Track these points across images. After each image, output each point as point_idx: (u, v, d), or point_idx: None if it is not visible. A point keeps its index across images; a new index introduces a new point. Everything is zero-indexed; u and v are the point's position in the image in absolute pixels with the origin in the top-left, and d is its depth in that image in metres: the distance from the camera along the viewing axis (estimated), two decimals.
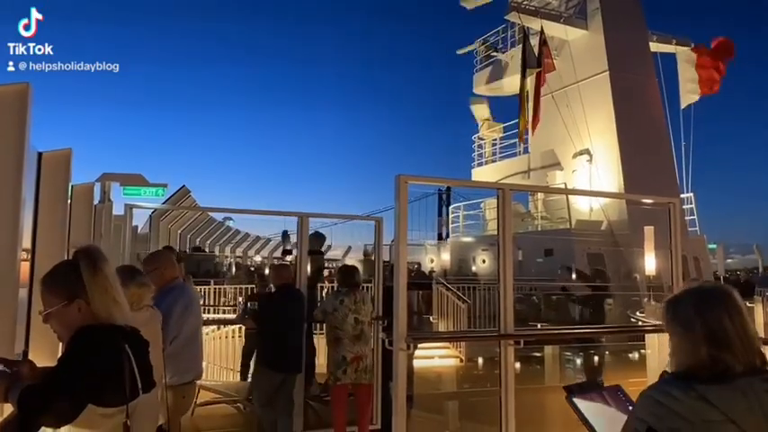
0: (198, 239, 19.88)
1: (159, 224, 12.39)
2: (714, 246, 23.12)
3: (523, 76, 19.47)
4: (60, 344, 2.24)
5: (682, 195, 20.66)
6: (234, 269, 25.83)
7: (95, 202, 6.63)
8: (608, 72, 20.37)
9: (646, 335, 7.72)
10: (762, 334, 7.76)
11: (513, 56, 22.93)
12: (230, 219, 29.31)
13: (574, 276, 13.99)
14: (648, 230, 9.77)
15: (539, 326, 11.59)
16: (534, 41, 20.14)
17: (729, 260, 30.41)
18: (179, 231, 14.73)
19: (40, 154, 3.87)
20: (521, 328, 5.58)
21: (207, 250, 24.26)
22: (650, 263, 9.83)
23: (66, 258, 2.26)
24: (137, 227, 12.95)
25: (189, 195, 13.90)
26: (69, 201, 4.50)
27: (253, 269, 23.74)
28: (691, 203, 21.62)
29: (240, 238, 30.12)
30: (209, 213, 17.89)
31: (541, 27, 20.21)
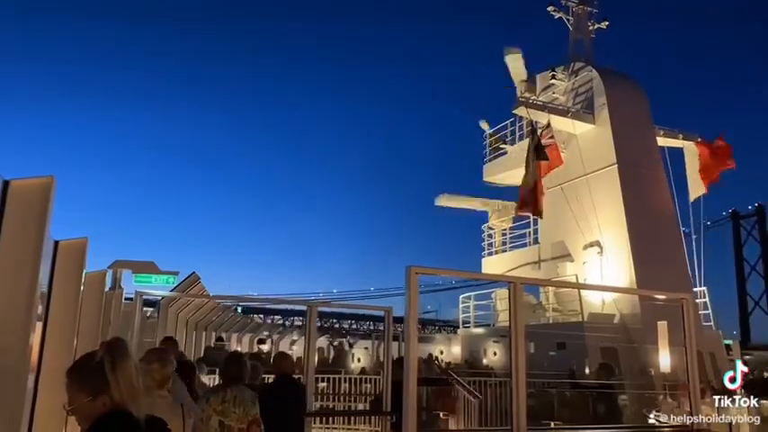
0: (206, 327, 19.72)
1: (168, 311, 12.35)
2: (730, 341, 22.60)
3: (528, 168, 19.77)
4: None
5: (694, 289, 20.42)
6: None
7: (106, 288, 6.70)
8: (616, 165, 20.63)
9: None
10: None
11: (522, 148, 23.36)
12: (238, 305, 29.17)
13: (587, 371, 13.65)
14: (662, 326, 9.62)
15: (552, 424, 11.22)
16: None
17: (747, 356, 29.61)
18: (187, 318, 14.60)
19: (56, 242, 3.94)
20: (534, 426, 5.43)
21: (223, 340, 24.08)
22: (665, 359, 9.62)
23: (89, 350, 2.33)
24: (146, 312, 12.89)
25: (198, 282, 13.89)
26: (82, 287, 4.55)
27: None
28: (704, 297, 21.33)
29: (249, 326, 29.80)
30: (218, 301, 17.83)
31: (548, 122, 20.68)
